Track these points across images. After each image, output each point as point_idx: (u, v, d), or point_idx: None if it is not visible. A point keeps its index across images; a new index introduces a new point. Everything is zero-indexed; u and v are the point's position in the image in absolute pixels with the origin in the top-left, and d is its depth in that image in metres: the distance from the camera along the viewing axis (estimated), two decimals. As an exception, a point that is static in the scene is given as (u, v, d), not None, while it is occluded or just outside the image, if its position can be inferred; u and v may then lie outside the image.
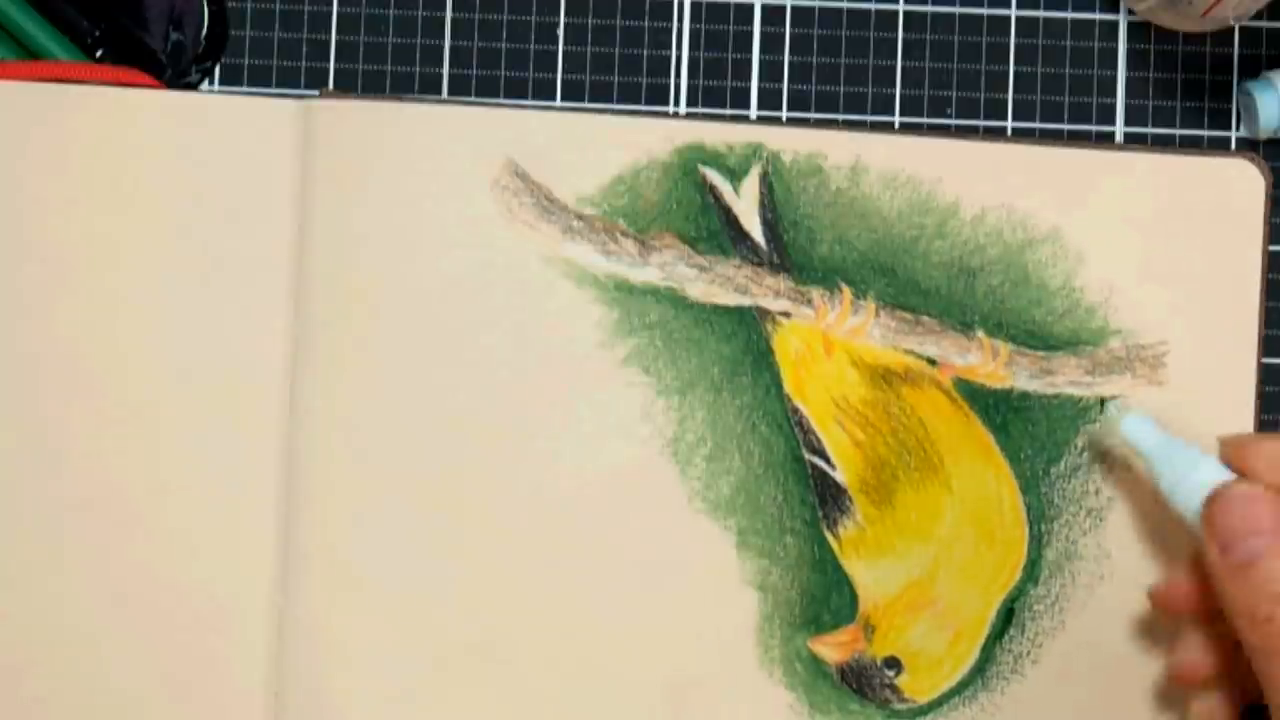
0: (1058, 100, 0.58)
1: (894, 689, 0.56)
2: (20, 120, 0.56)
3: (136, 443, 0.56)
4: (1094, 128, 0.58)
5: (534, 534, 0.56)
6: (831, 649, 0.56)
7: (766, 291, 0.56)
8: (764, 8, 0.58)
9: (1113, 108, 0.58)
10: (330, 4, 0.58)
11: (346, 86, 0.58)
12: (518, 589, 0.56)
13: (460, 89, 0.58)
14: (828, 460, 0.56)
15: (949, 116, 0.58)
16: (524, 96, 0.58)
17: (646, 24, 0.58)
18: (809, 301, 0.56)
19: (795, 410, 0.56)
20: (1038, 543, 0.56)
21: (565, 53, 0.58)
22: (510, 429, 0.56)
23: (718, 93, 0.58)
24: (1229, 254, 0.56)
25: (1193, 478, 0.50)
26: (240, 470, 0.56)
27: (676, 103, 0.58)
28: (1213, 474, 0.49)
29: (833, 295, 0.56)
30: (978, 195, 0.56)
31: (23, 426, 0.56)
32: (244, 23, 0.58)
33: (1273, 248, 0.57)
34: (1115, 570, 0.56)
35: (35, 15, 0.57)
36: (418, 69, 0.58)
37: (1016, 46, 0.58)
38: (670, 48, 0.58)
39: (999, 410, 0.56)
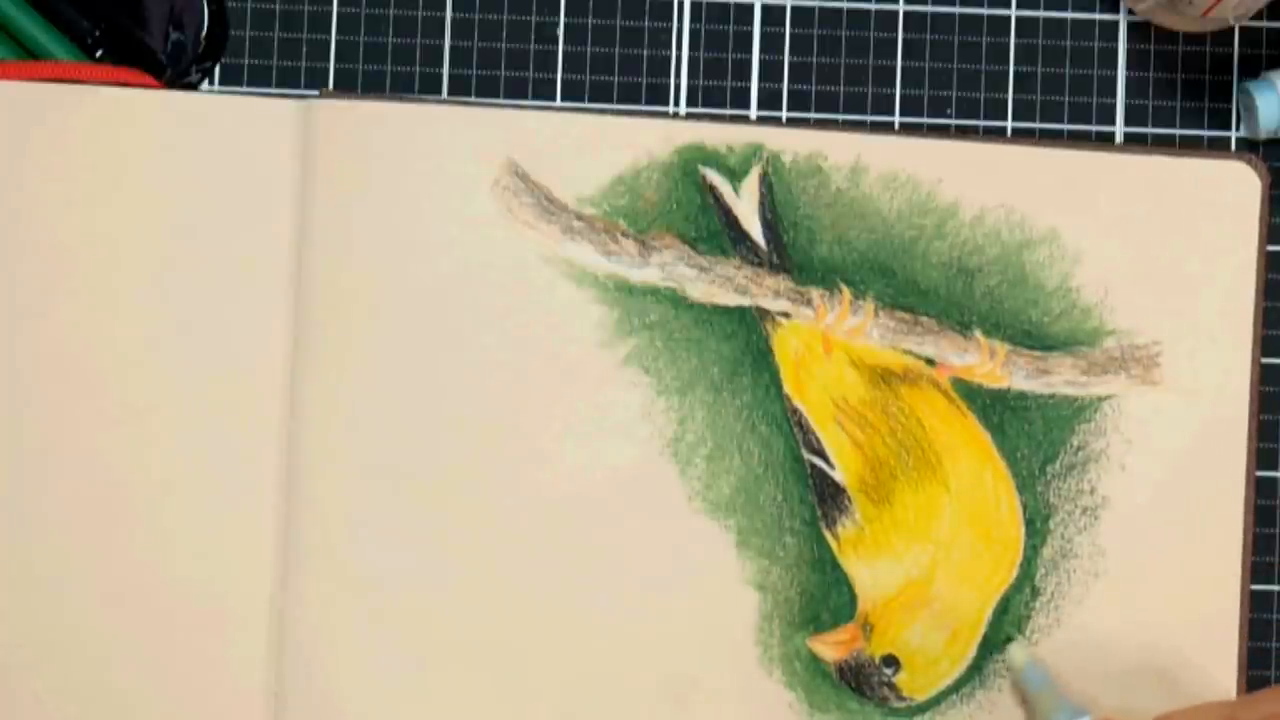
0: (1058, 100, 0.58)
1: (892, 687, 0.56)
2: (20, 120, 0.55)
3: (137, 442, 0.56)
4: (1094, 128, 0.58)
5: (534, 534, 0.56)
6: (830, 648, 0.56)
7: (766, 292, 0.56)
8: (764, 8, 0.58)
9: (1113, 108, 0.58)
10: (330, 4, 0.58)
11: (346, 86, 0.58)
12: (518, 589, 0.56)
13: (460, 89, 0.58)
14: (827, 460, 0.56)
15: (949, 116, 0.58)
16: (524, 96, 0.58)
17: (646, 24, 0.58)
18: (809, 302, 0.56)
19: (795, 410, 0.56)
20: (1034, 541, 0.56)
21: (565, 53, 0.58)
22: (510, 429, 0.56)
23: (718, 93, 0.58)
24: (1223, 256, 0.57)
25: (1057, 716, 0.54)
26: (240, 470, 0.56)
27: (676, 103, 0.58)
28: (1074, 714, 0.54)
29: (832, 295, 0.56)
30: (977, 196, 0.56)
31: (22, 426, 0.56)
32: (244, 23, 0.58)
33: (1272, 248, 0.57)
34: (1110, 568, 0.56)
35: (35, 15, 0.56)
36: (418, 69, 0.58)
37: (1016, 46, 0.58)
38: (670, 48, 0.58)
39: (996, 410, 0.56)
